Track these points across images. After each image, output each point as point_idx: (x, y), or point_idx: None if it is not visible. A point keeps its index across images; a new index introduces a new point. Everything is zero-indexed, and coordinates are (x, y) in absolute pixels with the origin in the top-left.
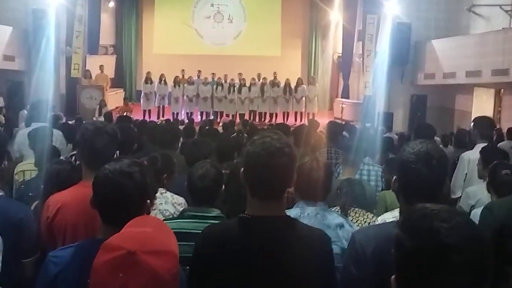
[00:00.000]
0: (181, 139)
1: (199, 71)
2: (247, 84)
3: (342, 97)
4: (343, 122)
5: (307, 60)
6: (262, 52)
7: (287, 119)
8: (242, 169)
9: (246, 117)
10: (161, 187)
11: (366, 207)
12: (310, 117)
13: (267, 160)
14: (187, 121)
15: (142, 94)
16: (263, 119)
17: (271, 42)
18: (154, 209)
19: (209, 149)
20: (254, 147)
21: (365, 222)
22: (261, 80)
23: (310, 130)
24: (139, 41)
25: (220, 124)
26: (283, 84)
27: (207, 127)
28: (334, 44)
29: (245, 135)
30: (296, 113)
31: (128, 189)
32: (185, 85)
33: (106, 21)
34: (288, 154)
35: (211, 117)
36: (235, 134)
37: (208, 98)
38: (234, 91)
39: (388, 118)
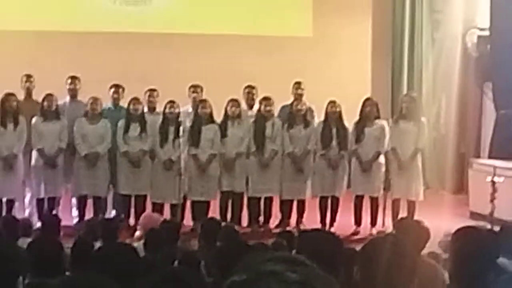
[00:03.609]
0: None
1: (74, 78)
2: (217, 117)
3: (491, 156)
4: (498, 229)
5: (388, 51)
6: (258, 27)
7: (333, 220)
8: None
9: (214, 212)
10: None
11: None
12: (403, 213)
13: None
14: (38, 224)
15: None
16: (262, 218)
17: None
18: None
19: None
20: None
21: None
22: (256, 107)
23: (401, 251)
24: None
25: (137, 233)
26: (323, 116)
27: (99, 243)
28: (466, 8)
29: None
30: (359, 201)
31: None
32: (34, 119)
33: None
34: None
35: (112, 214)
36: (177, 261)
37: (102, 157)
38: (178, 137)
39: None
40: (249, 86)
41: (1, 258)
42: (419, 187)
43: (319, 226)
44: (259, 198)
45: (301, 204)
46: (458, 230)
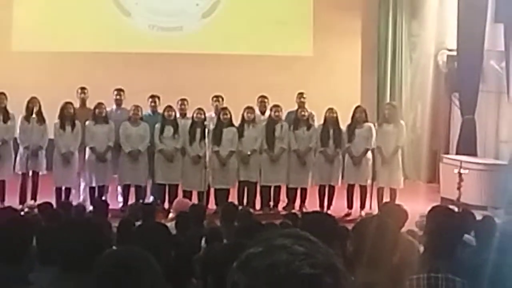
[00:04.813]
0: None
1: (119, 90)
2: (236, 122)
3: (459, 153)
4: (463, 211)
5: (374, 67)
6: (269, 48)
7: (329, 204)
8: None
9: (233, 198)
10: None
11: None
12: (386, 198)
13: None
14: (90, 207)
15: None
16: (272, 203)
17: (290, 25)
18: None
19: (151, 276)
20: (251, 275)
21: None
22: (268, 113)
23: (385, 229)
24: None
25: (171, 215)
26: (322, 120)
27: (139, 222)
28: (438, 31)
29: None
30: (350, 189)
31: None
32: (87, 123)
33: None
34: None
35: (150, 199)
36: (204, 238)
37: (143, 154)
38: (204, 137)
39: None
40: (262, 96)
41: (95, 233)
42: (400, 177)
43: (318, 209)
44: (270, 187)
45: (304, 191)
46: (432, 208)
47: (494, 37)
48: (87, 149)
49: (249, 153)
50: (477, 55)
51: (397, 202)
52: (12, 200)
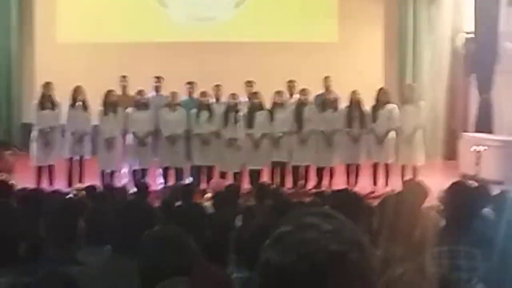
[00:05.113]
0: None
1: (158, 78)
2: (266, 106)
3: (477, 131)
4: (483, 186)
5: (396, 51)
6: (297, 35)
7: (356, 182)
8: None
9: (265, 178)
10: None
11: None
12: (408, 176)
13: (309, 278)
14: (134, 189)
15: (35, 133)
16: (301, 181)
17: (317, 13)
18: None
19: (189, 253)
20: (283, 252)
21: None
22: (296, 96)
23: (407, 205)
24: (24, 21)
25: (208, 195)
26: (347, 102)
27: (179, 203)
28: (455, 16)
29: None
30: (375, 167)
31: None
32: (128, 110)
33: None
34: (357, 264)
35: (188, 180)
36: (240, 216)
37: (181, 138)
38: (237, 121)
39: None
40: (290, 81)
41: (141, 213)
42: (421, 155)
43: (345, 187)
44: (299, 166)
45: (331, 170)
46: (451, 184)
47: (508, 19)
48: (129, 134)
49: (280, 134)
50: (493, 37)
51: (418, 178)
52: (60, 184)
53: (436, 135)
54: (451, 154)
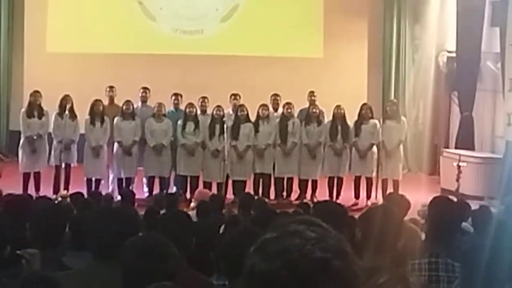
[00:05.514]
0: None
1: (145, 89)
2: (251, 118)
3: (458, 147)
4: (463, 201)
5: (380, 68)
6: (283, 50)
7: (338, 194)
8: None
9: (249, 189)
10: None
11: None
12: (390, 189)
13: (294, 285)
14: (118, 197)
15: (22, 140)
16: (285, 193)
17: (303, 29)
18: None
19: (172, 259)
20: (267, 258)
21: None
22: (281, 110)
23: (389, 217)
24: (15, 30)
25: (192, 204)
26: (330, 117)
27: (163, 211)
28: (439, 34)
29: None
30: (357, 180)
31: None
32: (115, 119)
33: None
34: (340, 272)
35: (173, 189)
36: (223, 226)
37: (166, 147)
38: (222, 132)
39: None
40: (275, 94)
41: (124, 221)
42: (400, 170)
43: (328, 198)
44: (283, 178)
45: (314, 183)
46: (433, 198)
47: (490, 39)
48: (115, 143)
49: (263, 147)
50: (474, 57)
51: (400, 192)
52: (46, 190)
53: (420, 150)
54: (433, 169)
